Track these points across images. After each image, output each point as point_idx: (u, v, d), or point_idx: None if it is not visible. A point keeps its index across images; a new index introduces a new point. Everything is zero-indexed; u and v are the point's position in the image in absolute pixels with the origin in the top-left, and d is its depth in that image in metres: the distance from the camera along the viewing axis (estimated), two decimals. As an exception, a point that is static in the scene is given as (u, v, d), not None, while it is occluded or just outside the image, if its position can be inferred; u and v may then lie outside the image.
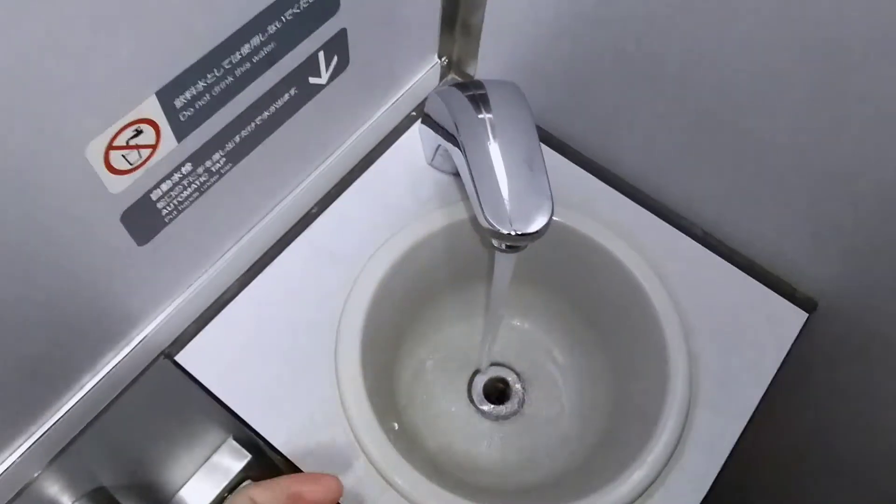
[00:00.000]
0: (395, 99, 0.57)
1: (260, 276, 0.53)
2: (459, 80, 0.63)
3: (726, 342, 0.53)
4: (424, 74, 0.58)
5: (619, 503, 0.46)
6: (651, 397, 0.51)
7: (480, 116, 0.46)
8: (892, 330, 0.53)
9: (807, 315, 0.54)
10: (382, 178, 0.58)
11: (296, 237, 0.55)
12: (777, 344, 0.53)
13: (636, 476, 0.47)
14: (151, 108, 0.35)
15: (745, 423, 0.50)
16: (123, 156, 0.35)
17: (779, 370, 0.52)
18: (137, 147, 0.36)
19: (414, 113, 0.61)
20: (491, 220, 0.43)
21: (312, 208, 0.56)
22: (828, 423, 0.66)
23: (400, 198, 0.57)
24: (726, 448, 0.49)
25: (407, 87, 0.57)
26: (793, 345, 0.53)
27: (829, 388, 0.62)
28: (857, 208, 0.48)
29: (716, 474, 0.48)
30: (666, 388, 0.50)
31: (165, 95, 0.35)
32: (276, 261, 0.54)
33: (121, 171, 0.36)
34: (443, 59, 0.60)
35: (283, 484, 0.36)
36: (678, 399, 0.49)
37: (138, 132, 0.35)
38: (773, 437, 0.72)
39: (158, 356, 0.50)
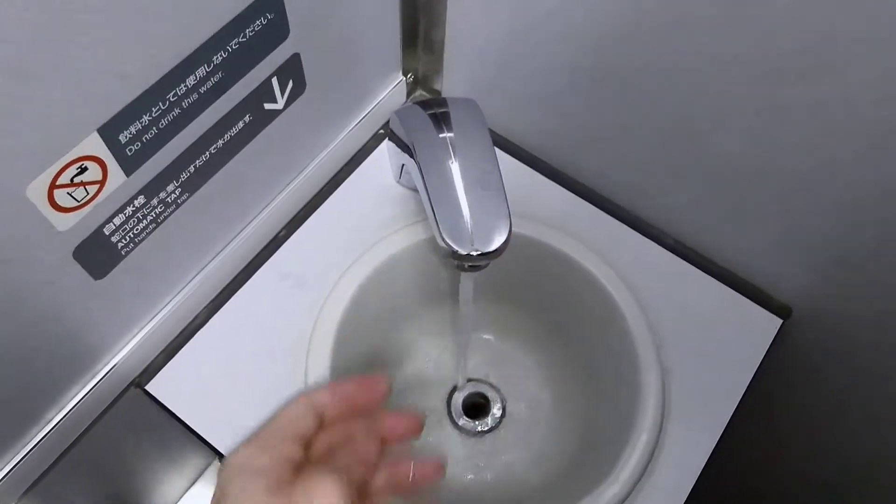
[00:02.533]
0: (359, 119, 0.57)
1: (229, 303, 0.53)
2: (427, 95, 0.62)
3: (700, 353, 0.52)
4: (389, 92, 0.58)
5: (593, 521, 0.46)
6: (624, 411, 0.51)
7: (441, 136, 0.46)
8: (866, 335, 0.52)
9: (781, 322, 0.53)
10: (351, 198, 0.58)
11: (264, 262, 0.55)
12: (751, 352, 0.52)
13: (609, 492, 0.47)
14: (94, 145, 0.35)
15: (719, 437, 0.49)
16: (69, 193, 0.35)
17: (754, 379, 0.51)
18: (83, 184, 0.36)
19: (382, 131, 0.60)
20: (449, 241, 0.43)
21: (280, 231, 0.56)
22: (804, 428, 0.65)
23: (368, 217, 0.56)
24: (699, 463, 0.48)
25: (372, 107, 0.57)
26: (768, 352, 0.52)
27: (804, 394, 0.61)
28: (827, 215, 0.48)
29: (689, 489, 0.48)
30: (638, 403, 0.50)
31: (108, 132, 0.35)
32: (244, 286, 0.54)
33: (67, 208, 0.36)
34: (408, 76, 0.59)
35: (344, 387, 0.34)
36: (650, 414, 0.49)
37: (83, 169, 0.35)
38: (749, 444, 0.71)
39: (129, 386, 0.50)
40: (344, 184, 0.58)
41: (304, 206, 0.57)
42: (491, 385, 0.62)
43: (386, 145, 0.59)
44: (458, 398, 0.61)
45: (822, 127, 0.42)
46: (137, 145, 0.37)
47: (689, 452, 0.49)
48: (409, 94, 0.61)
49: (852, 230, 0.47)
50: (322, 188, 0.58)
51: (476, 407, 0.61)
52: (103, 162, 0.36)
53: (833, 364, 0.56)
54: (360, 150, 0.59)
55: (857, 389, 0.57)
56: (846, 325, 0.53)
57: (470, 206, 0.44)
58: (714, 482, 0.50)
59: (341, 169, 0.58)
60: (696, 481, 0.48)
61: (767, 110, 0.43)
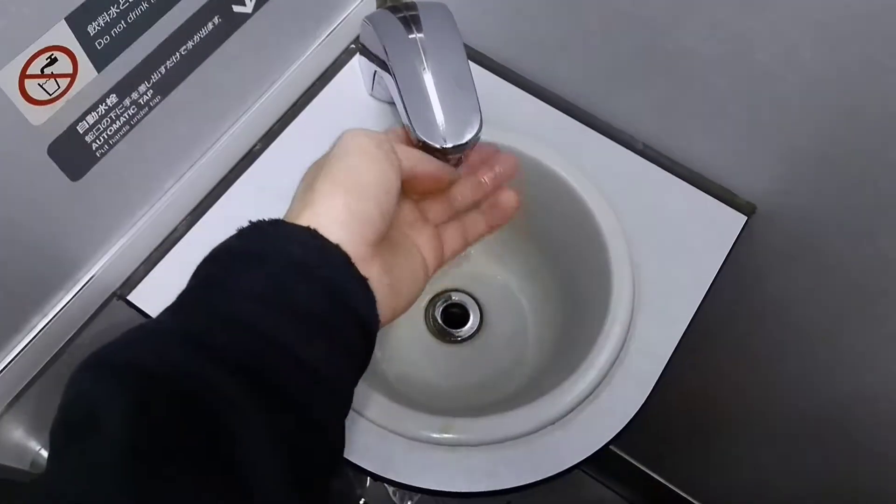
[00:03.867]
0: (330, 30, 0.57)
1: (207, 214, 0.54)
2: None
3: (668, 250, 0.54)
4: (360, 3, 0.58)
5: (569, 404, 0.48)
6: (598, 307, 0.53)
7: (411, 37, 0.47)
8: (828, 229, 0.54)
9: (745, 218, 0.55)
10: (324, 111, 0.58)
11: (241, 174, 0.55)
12: (716, 248, 0.54)
13: (584, 379, 0.49)
14: (63, 34, 0.35)
15: (686, 326, 0.51)
16: (40, 85, 0.35)
17: (718, 275, 0.53)
18: (54, 76, 0.36)
19: (353, 46, 0.60)
20: (422, 136, 0.43)
21: (255, 145, 0.56)
22: (775, 327, 0.68)
23: (342, 130, 0.57)
24: (668, 350, 0.51)
25: (342, 17, 0.57)
26: (732, 249, 0.54)
27: (770, 289, 0.64)
28: (786, 111, 0.49)
29: (658, 374, 0.50)
30: (610, 297, 0.51)
31: (76, 21, 0.35)
32: (222, 198, 0.54)
33: (40, 101, 0.36)
34: (378, -13, 0.59)
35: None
36: (622, 306, 0.51)
37: (52, 60, 0.35)
38: (724, 347, 0.74)
39: (111, 297, 0.51)
40: (317, 97, 0.58)
41: (279, 121, 0.57)
42: (468, 293, 0.63)
43: (357, 58, 0.59)
44: (438, 306, 0.63)
45: (783, 16, 0.43)
46: (107, 39, 0.37)
47: (659, 342, 0.51)
48: (378, 5, 0.61)
49: (811, 127, 0.49)
50: (296, 102, 0.58)
51: (455, 317, 0.63)
52: (73, 53, 0.36)
53: (797, 258, 0.59)
54: (332, 64, 0.59)
55: (820, 282, 0.59)
56: (809, 219, 0.55)
57: (442, 103, 0.44)
58: (680, 375, 0.53)
59: (314, 83, 0.59)
60: (664, 370, 0.50)
61: (731, 5, 0.44)
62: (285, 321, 0.28)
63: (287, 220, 0.31)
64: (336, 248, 0.30)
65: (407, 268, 0.36)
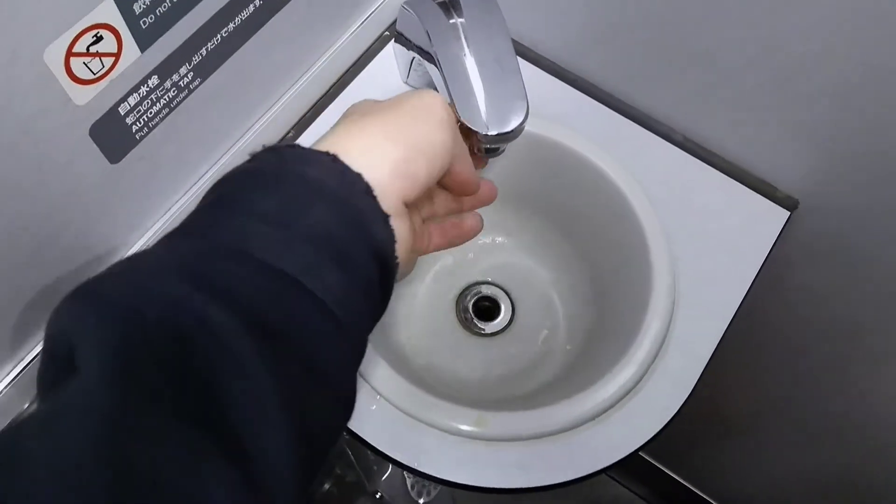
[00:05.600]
0: (365, 16, 0.56)
1: (239, 201, 0.53)
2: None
3: (708, 244, 0.53)
4: (395, -10, 0.57)
5: (608, 400, 0.47)
6: (635, 302, 0.52)
7: (452, 21, 0.46)
8: (866, 229, 0.53)
9: (788, 214, 0.54)
10: (358, 99, 0.57)
11: (273, 161, 0.54)
12: (758, 244, 0.53)
13: (624, 374, 0.48)
14: (109, 12, 0.34)
15: (728, 323, 0.50)
16: (85, 63, 0.35)
17: (761, 270, 0.52)
18: (99, 55, 0.35)
19: (387, 33, 0.60)
20: (466, 123, 0.42)
21: (289, 132, 0.55)
22: (808, 321, 0.67)
23: (377, 117, 0.56)
24: (709, 347, 0.50)
25: (377, 5, 0.56)
26: (775, 244, 0.53)
27: (811, 286, 0.63)
28: (823, 103, 0.48)
29: (699, 373, 0.49)
30: (649, 292, 0.51)
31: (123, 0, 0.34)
32: (254, 185, 0.53)
33: (84, 80, 0.35)
34: (414, -25, 0.58)
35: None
36: (661, 301, 0.50)
37: (98, 38, 0.34)
38: (754, 336, 0.73)
39: (142, 284, 0.50)
40: (350, 85, 0.57)
41: (312, 108, 0.56)
42: (500, 286, 0.63)
43: (393, 46, 0.58)
44: (469, 300, 0.62)
45: (832, 16, 0.42)
46: (151, 18, 0.37)
47: (700, 338, 0.50)
48: (413, -6, 0.60)
49: (855, 120, 0.48)
50: (329, 90, 0.57)
51: (487, 309, 0.62)
52: (118, 32, 0.35)
53: (831, 254, 0.57)
54: (366, 52, 0.58)
55: (854, 279, 0.58)
56: (848, 215, 0.54)
57: (486, 90, 0.43)
58: (721, 371, 0.52)
59: (347, 70, 0.58)
60: (705, 368, 0.49)
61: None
62: (295, 247, 0.25)
63: (319, 145, 0.29)
64: (358, 176, 0.28)
65: (421, 236, 0.34)
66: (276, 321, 0.24)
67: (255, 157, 0.29)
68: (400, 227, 0.29)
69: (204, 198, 0.28)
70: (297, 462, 0.23)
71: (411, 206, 0.31)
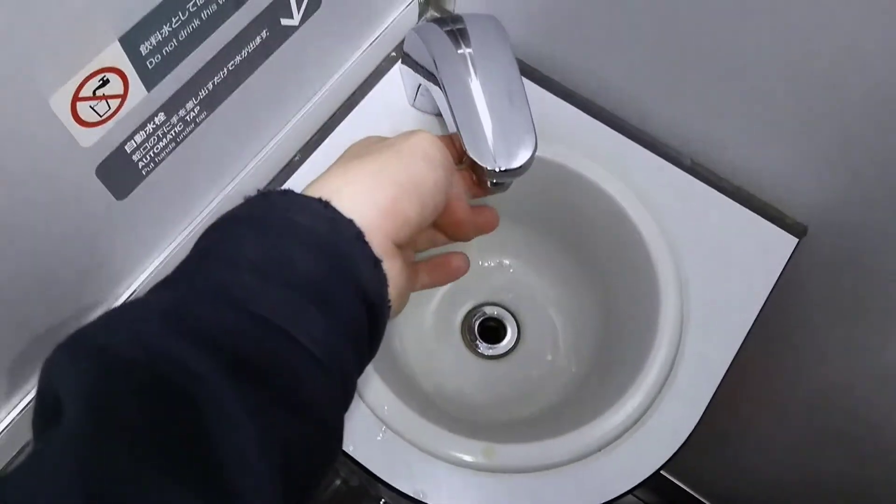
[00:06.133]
0: (372, 39, 0.55)
1: (246, 227, 0.53)
2: (438, 16, 0.61)
3: (717, 270, 0.53)
4: (402, 12, 0.57)
5: (615, 430, 0.47)
6: (642, 327, 0.52)
7: (460, 52, 0.45)
8: (882, 252, 0.53)
9: (797, 240, 0.54)
10: (364, 121, 0.57)
11: (280, 186, 0.54)
12: (767, 270, 0.53)
13: (631, 403, 0.48)
14: (115, 55, 0.34)
15: (737, 349, 0.50)
16: (91, 107, 0.34)
17: (770, 296, 0.52)
18: (105, 97, 0.35)
19: (394, 54, 0.59)
20: (474, 158, 0.42)
21: (295, 156, 0.55)
22: (816, 343, 0.67)
23: (383, 141, 0.56)
24: (718, 373, 0.49)
25: (384, 27, 0.56)
26: (783, 270, 0.53)
27: (820, 308, 0.62)
28: (839, 129, 0.47)
29: (708, 399, 0.49)
30: (657, 317, 0.50)
31: (129, 42, 0.34)
32: (261, 211, 0.53)
33: (90, 123, 0.35)
34: (420, -4, 0.58)
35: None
36: (669, 327, 0.50)
37: (104, 81, 0.34)
38: (759, 358, 0.72)
39: (149, 312, 0.50)
40: (357, 107, 0.57)
41: (319, 130, 0.56)
42: (507, 308, 0.62)
43: (399, 68, 0.58)
44: (475, 322, 0.62)
45: (846, 37, 0.41)
46: (158, 58, 0.36)
47: (708, 365, 0.50)
48: (420, 14, 0.60)
49: (868, 147, 0.47)
50: (335, 112, 0.57)
51: (492, 330, 0.62)
52: (124, 74, 0.35)
53: (850, 277, 0.57)
54: (372, 73, 0.58)
55: (865, 302, 0.58)
56: (859, 239, 0.53)
57: (493, 122, 0.43)
58: (731, 397, 0.52)
59: (354, 92, 0.57)
60: (714, 394, 0.49)
61: (787, 21, 0.42)
62: (278, 292, 0.25)
63: (312, 190, 0.29)
64: (350, 222, 0.28)
65: (413, 277, 0.34)
66: (256, 365, 0.24)
67: (247, 203, 0.29)
68: (391, 268, 0.29)
69: (194, 245, 0.29)
70: (280, 499, 0.23)
71: (404, 245, 0.31)
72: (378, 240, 0.29)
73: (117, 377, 0.22)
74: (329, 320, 0.26)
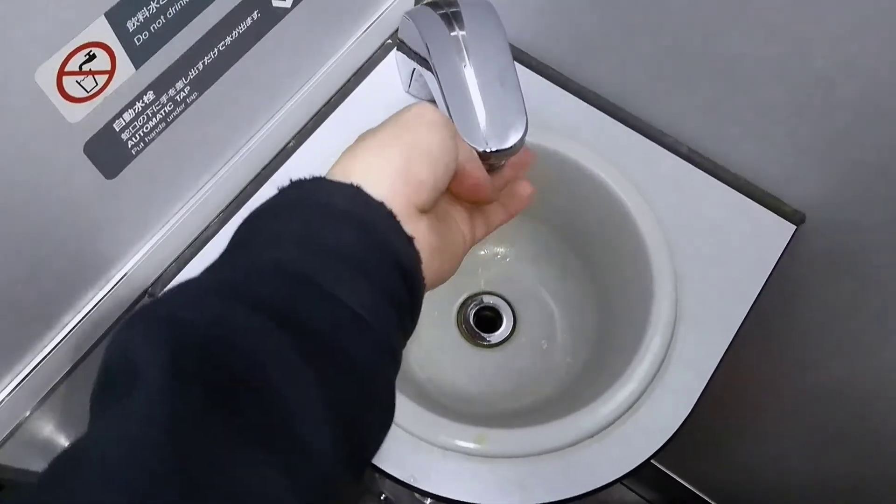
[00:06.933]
0: (367, 25, 0.55)
1: (240, 212, 0.53)
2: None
3: (712, 258, 0.52)
4: (398, -1, 0.56)
5: (607, 418, 0.47)
6: (637, 317, 0.51)
7: (453, 34, 0.45)
8: (880, 241, 0.52)
9: (794, 228, 0.53)
10: (360, 108, 0.57)
11: (273, 172, 0.54)
12: (763, 258, 0.52)
13: (624, 391, 0.47)
14: (102, 30, 0.34)
15: (731, 340, 0.50)
16: (78, 82, 0.34)
17: (766, 285, 0.51)
18: (92, 73, 0.35)
19: (390, 41, 0.59)
20: (465, 138, 0.42)
21: (289, 142, 0.55)
22: (816, 337, 0.66)
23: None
24: (711, 364, 0.49)
25: (380, 13, 0.56)
26: (780, 258, 0.52)
27: (817, 299, 0.62)
28: (837, 118, 0.47)
29: (701, 389, 0.48)
30: (651, 307, 0.50)
31: (116, 17, 0.34)
32: (254, 196, 0.53)
33: (77, 98, 0.35)
34: (416, -18, 0.58)
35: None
36: (663, 316, 0.49)
37: (91, 56, 0.34)
38: (759, 353, 0.72)
39: (142, 295, 0.50)
40: (352, 94, 0.57)
41: (313, 117, 0.56)
42: (502, 297, 0.62)
43: (395, 55, 0.58)
44: (470, 311, 0.62)
45: (842, 28, 0.41)
46: (145, 35, 0.36)
47: (702, 355, 0.49)
48: (416, 2, 0.59)
49: (863, 134, 0.47)
50: (330, 99, 0.57)
51: (487, 320, 0.62)
52: (111, 50, 0.35)
53: (848, 268, 0.56)
54: (368, 61, 0.58)
55: (865, 295, 0.57)
56: (859, 230, 0.53)
57: (485, 104, 0.43)
58: (724, 389, 0.51)
59: (349, 79, 0.57)
60: (707, 384, 0.49)
61: (782, 10, 0.42)
62: (323, 262, 0.27)
63: (331, 176, 0.30)
64: (380, 205, 0.29)
65: (449, 238, 0.35)
66: (312, 327, 0.26)
67: (281, 192, 0.30)
68: (417, 230, 0.30)
69: (235, 232, 0.30)
70: (343, 454, 0.25)
71: (455, 200, 0.34)
72: (400, 206, 0.30)
73: (190, 344, 0.23)
74: (374, 288, 0.28)
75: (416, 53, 0.49)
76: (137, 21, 0.35)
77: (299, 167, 0.54)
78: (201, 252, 0.51)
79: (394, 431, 0.46)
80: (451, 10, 0.47)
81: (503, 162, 0.43)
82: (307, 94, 0.53)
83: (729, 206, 0.54)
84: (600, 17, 0.52)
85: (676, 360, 0.49)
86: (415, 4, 0.59)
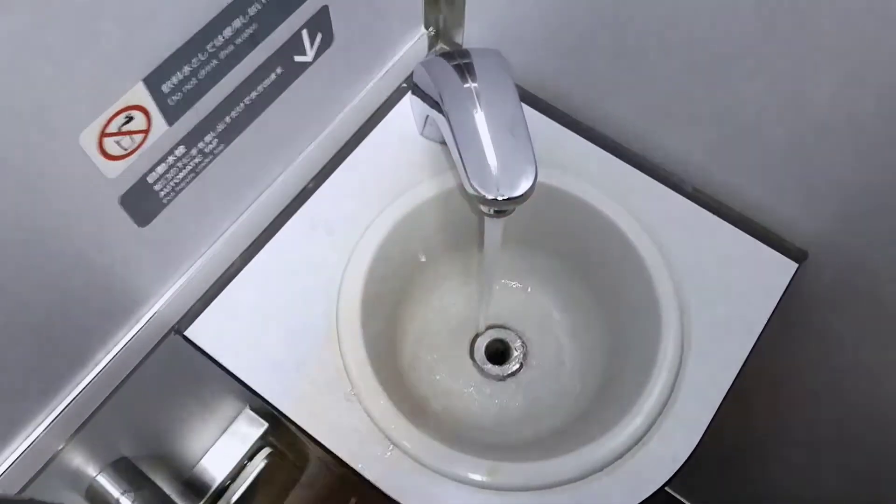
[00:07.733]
0: (382, 72, 0.58)
1: (261, 251, 0.55)
2: (447, 49, 0.63)
3: (717, 295, 0.54)
4: (411, 46, 0.59)
5: (616, 451, 0.48)
6: (645, 350, 0.53)
7: (466, 86, 0.47)
8: (882, 278, 0.54)
9: (796, 265, 0.55)
10: (376, 150, 0.59)
11: (294, 212, 0.56)
12: (767, 294, 0.54)
13: (632, 425, 0.49)
14: (140, 94, 0.36)
15: (737, 372, 0.51)
16: (117, 142, 0.37)
17: (769, 320, 0.53)
18: (130, 133, 0.37)
19: (404, 84, 0.62)
20: (476, 187, 0.44)
21: (308, 184, 0.57)
22: (819, 372, 0.67)
23: (393, 169, 0.58)
24: (718, 396, 0.50)
25: (394, 60, 0.58)
26: (783, 295, 0.54)
27: (820, 337, 0.63)
28: (842, 157, 0.49)
29: (709, 421, 0.50)
30: (658, 341, 0.52)
31: (152, 82, 0.37)
32: (276, 236, 0.56)
33: (115, 156, 0.38)
34: (429, 30, 0.60)
35: None
36: (670, 350, 0.51)
37: (129, 118, 0.37)
38: (764, 388, 0.73)
39: (169, 332, 0.53)
40: (369, 136, 0.59)
41: (331, 159, 0.58)
42: (513, 330, 0.64)
43: (409, 98, 0.60)
44: (481, 343, 0.63)
45: (846, 71, 0.43)
46: (179, 95, 0.39)
47: (708, 388, 0.51)
48: (430, 47, 0.62)
49: (868, 173, 0.48)
50: (348, 141, 0.59)
51: (499, 352, 0.64)
52: (148, 111, 0.38)
53: (848, 308, 0.58)
54: (383, 104, 0.60)
55: (869, 330, 0.58)
56: (860, 268, 0.54)
57: (496, 153, 0.45)
58: (730, 422, 0.53)
59: (366, 122, 0.60)
60: (714, 416, 0.50)
61: (789, 56, 0.44)
62: None
63: None
64: None
65: None
66: None
67: None
68: None
69: None
70: None
71: None
72: None
73: None
74: None
75: (429, 98, 0.52)
76: (172, 84, 0.38)
77: (318, 207, 0.57)
78: (225, 290, 0.54)
79: (407, 462, 0.48)
80: (464, 61, 0.49)
81: (512, 209, 0.45)
82: (325, 138, 0.56)
83: (733, 243, 0.56)
84: (608, 61, 0.54)
85: (684, 392, 0.51)
86: (428, 51, 0.62)
